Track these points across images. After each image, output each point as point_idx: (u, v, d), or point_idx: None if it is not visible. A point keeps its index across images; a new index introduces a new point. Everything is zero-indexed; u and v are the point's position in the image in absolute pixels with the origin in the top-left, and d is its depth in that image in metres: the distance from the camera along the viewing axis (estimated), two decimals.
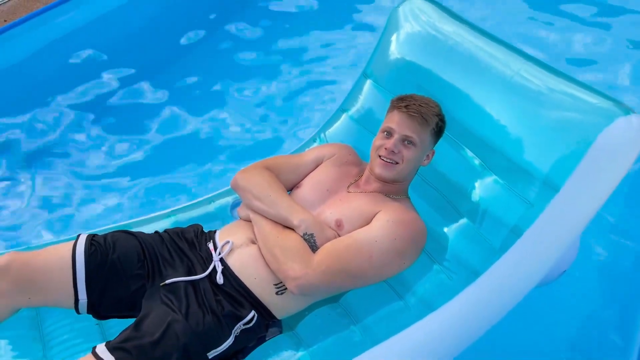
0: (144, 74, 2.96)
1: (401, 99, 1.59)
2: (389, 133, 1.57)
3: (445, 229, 1.61)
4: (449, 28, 1.77)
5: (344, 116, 1.95)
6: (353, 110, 1.93)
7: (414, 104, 1.56)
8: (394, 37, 1.87)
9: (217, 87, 2.95)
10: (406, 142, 1.55)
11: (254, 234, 1.53)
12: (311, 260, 1.41)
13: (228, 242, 1.51)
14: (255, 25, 3.37)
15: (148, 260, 1.49)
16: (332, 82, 2.94)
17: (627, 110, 1.37)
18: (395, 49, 1.86)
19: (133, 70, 2.98)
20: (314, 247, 1.45)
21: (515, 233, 1.46)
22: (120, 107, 2.82)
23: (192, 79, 2.99)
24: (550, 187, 1.43)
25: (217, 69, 3.07)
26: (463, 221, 1.58)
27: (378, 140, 1.59)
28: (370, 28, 3.30)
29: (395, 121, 1.56)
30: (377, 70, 1.90)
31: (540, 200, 1.45)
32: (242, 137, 2.66)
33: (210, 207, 1.85)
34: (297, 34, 3.31)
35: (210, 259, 1.50)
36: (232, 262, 1.48)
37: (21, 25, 2.86)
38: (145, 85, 2.92)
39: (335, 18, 3.41)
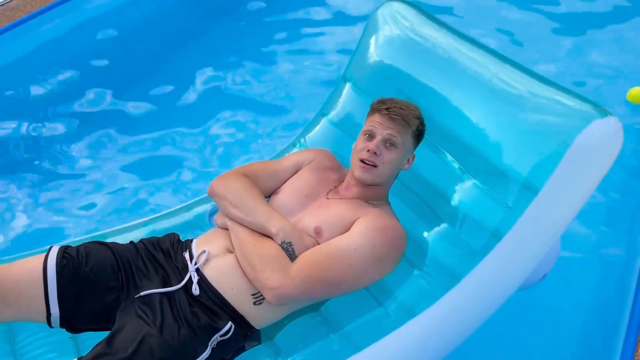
0: (120, 83, 2.94)
1: (382, 101, 1.58)
2: (370, 135, 1.55)
3: (425, 234, 1.59)
4: (428, 31, 1.76)
5: (323, 121, 1.93)
6: (333, 115, 1.91)
7: (395, 107, 1.54)
8: (372, 40, 1.85)
9: (193, 95, 2.92)
10: (388, 144, 1.53)
11: (231, 243, 1.51)
12: (289, 269, 1.38)
13: (204, 251, 1.48)
14: (238, 26, 3.34)
15: (122, 271, 1.45)
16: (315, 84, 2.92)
17: (604, 113, 1.37)
18: (374, 52, 1.84)
19: (107, 80, 2.95)
20: (292, 256, 1.43)
21: (496, 237, 1.45)
22: (91, 115, 2.79)
23: (168, 88, 2.96)
24: (530, 189, 1.42)
25: (194, 76, 3.05)
26: (443, 226, 1.56)
27: (360, 143, 1.57)
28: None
29: (377, 123, 1.54)
30: (357, 74, 1.88)
31: (520, 203, 1.43)
32: (222, 142, 2.63)
33: (189, 215, 1.82)
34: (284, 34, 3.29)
35: (186, 269, 1.47)
36: (208, 272, 1.45)
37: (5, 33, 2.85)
38: (122, 94, 2.89)
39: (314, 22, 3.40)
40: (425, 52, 1.72)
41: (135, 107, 2.82)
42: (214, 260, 1.47)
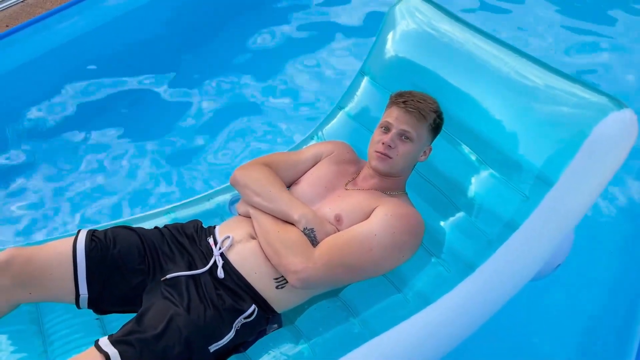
0: (146, 75, 3.00)
1: (400, 94, 1.62)
2: (386, 128, 1.59)
3: (442, 223, 1.63)
4: (445, 26, 1.80)
5: (341, 113, 1.97)
6: (350, 108, 1.95)
7: (412, 100, 1.58)
8: (390, 35, 1.89)
9: (213, 86, 2.97)
10: (403, 137, 1.57)
11: (254, 230, 1.55)
12: (312, 254, 1.42)
13: (228, 237, 1.53)
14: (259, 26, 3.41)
15: (148, 255, 1.50)
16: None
17: (620, 105, 1.40)
18: (392, 47, 1.88)
19: (136, 74, 3.01)
20: (314, 242, 1.47)
21: (511, 226, 1.49)
22: (123, 110, 2.85)
23: (196, 77, 3.01)
24: (545, 181, 1.46)
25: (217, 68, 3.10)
26: (460, 215, 1.60)
27: (376, 135, 1.62)
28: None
29: (394, 116, 1.58)
30: (374, 68, 1.92)
31: (536, 193, 1.47)
32: (245, 135, 2.67)
33: (209, 204, 1.86)
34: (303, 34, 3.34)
35: (210, 253, 1.51)
36: (232, 257, 1.49)
37: (23, 31, 2.90)
38: (148, 85, 2.95)
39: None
40: (442, 47, 1.76)
41: (157, 97, 2.87)
42: (238, 246, 1.52)
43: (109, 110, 2.81)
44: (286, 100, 2.89)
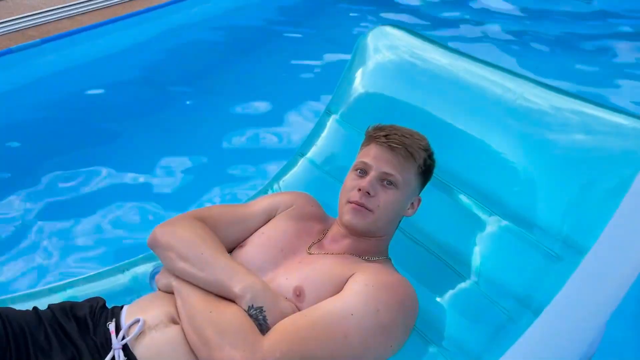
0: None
1: (380, 128, 1.24)
2: (363, 171, 1.20)
3: (440, 299, 1.19)
4: (428, 54, 1.48)
5: (302, 161, 1.56)
6: (313, 153, 1.55)
7: (395, 134, 1.20)
8: (362, 68, 1.56)
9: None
10: (385, 182, 1.17)
11: (177, 310, 1.08)
12: (259, 344, 0.95)
13: (138, 320, 1.04)
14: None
15: (12, 348, 0.99)
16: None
17: None
18: (364, 80, 1.54)
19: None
20: (263, 327, 1.01)
21: (539, 296, 1.07)
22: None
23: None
24: (575, 247, 1.07)
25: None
26: (464, 285, 1.17)
27: (349, 181, 1.21)
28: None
29: (372, 155, 1.19)
30: (343, 106, 1.56)
31: (571, 251, 1.08)
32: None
33: (124, 278, 1.37)
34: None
35: (108, 346, 1.02)
36: (140, 351, 1.01)
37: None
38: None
39: None
40: (428, 77, 1.43)
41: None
42: (151, 334, 1.03)
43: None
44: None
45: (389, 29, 1.59)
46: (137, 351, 1.01)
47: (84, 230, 1.99)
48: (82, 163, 2.33)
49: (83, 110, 2.81)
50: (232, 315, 1.00)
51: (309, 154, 1.56)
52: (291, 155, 1.60)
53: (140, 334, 1.03)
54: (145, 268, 1.39)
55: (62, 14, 3.48)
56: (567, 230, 1.08)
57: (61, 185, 2.21)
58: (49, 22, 3.37)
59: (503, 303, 1.10)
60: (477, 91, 1.33)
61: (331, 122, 1.56)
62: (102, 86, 2.99)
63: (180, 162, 2.38)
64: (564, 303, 1.07)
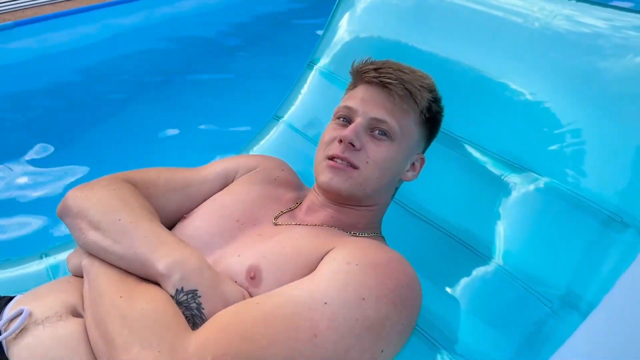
0: None
1: (370, 62, 0.93)
2: (346, 118, 0.89)
3: (449, 290, 0.88)
4: None
5: (279, 125, 1.26)
6: (292, 116, 1.24)
7: (390, 68, 0.90)
8: (350, 10, 1.26)
9: None
10: (377, 131, 0.87)
11: (82, 298, 0.77)
12: (184, 342, 0.64)
13: (21, 312, 0.73)
14: None
15: None
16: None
17: None
18: (354, 24, 1.24)
19: None
20: (197, 318, 0.70)
21: (587, 290, 0.76)
22: None
23: None
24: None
25: None
26: (484, 270, 0.85)
27: (329, 131, 0.91)
28: None
29: (359, 97, 0.89)
30: (329, 55, 1.26)
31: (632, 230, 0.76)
32: None
33: (39, 266, 1.06)
34: None
35: None
36: (18, 353, 0.70)
37: None
38: None
39: None
40: (433, 10, 1.12)
41: None
42: (37, 330, 0.72)
43: None
44: None
45: None
46: (13, 353, 0.70)
47: None
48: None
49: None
50: (148, 303, 0.69)
51: (286, 117, 1.25)
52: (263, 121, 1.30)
53: (22, 329, 0.72)
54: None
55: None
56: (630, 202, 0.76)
57: None
58: None
59: (542, 291, 0.78)
60: (495, 20, 1.03)
61: (313, 75, 1.25)
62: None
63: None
64: (628, 294, 0.75)
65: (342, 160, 0.86)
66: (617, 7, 0.91)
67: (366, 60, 0.94)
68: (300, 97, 1.26)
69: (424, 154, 0.95)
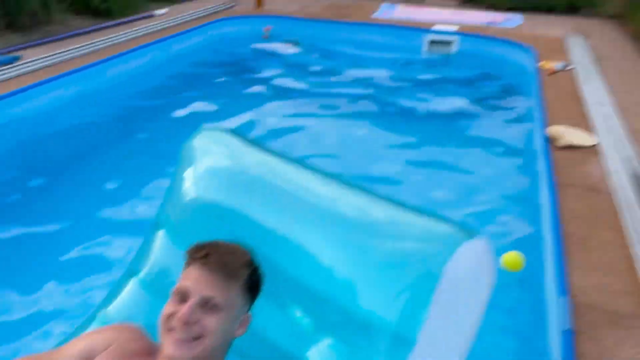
0: None
1: (199, 247, 1.18)
2: (183, 296, 1.13)
3: None
4: (255, 158, 1.48)
5: (132, 282, 1.45)
6: (143, 273, 1.45)
7: (216, 253, 1.16)
8: (190, 175, 1.49)
9: None
10: (208, 306, 1.12)
11: None
12: None
13: None
14: None
15: None
16: None
17: (471, 234, 1.12)
18: (192, 189, 1.47)
19: None
20: None
21: None
22: None
23: None
24: (402, 340, 1.09)
25: None
26: None
27: (168, 306, 1.13)
28: None
29: (192, 278, 1.13)
30: (172, 217, 1.49)
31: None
32: None
33: None
34: None
35: None
36: None
37: None
38: None
39: None
40: (255, 184, 1.40)
41: None
42: None
43: None
44: None
45: (216, 133, 1.57)
46: None
47: None
48: None
49: None
50: None
51: (140, 274, 1.45)
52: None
53: None
54: None
55: None
56: (389, 340, 1.09)
57: None
58: None
59: None
60: (301, 197, 1.33)
61: (159, 237, 1.47)
62: None
63: None
64: None
65: (183, 332, 1.09)
66: (391, 200, 1.27)
67: (197, 245, 1.19)
68: (151, 256, 1.46)
69: (250, 311, 1.21)
